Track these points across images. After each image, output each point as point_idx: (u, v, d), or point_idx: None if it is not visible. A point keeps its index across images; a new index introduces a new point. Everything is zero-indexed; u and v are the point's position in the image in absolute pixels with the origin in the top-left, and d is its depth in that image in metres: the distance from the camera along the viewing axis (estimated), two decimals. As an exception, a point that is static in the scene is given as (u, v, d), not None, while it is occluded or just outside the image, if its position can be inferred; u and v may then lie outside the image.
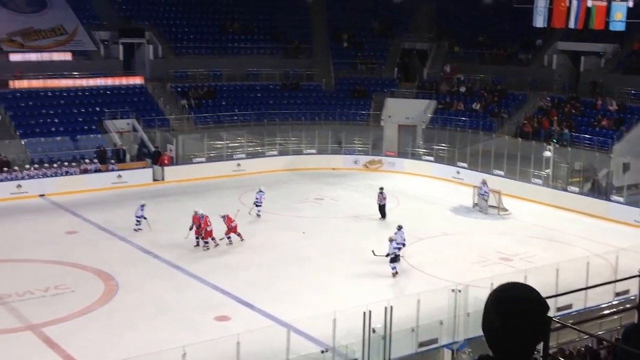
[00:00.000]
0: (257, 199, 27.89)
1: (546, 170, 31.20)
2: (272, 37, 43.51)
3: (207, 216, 23.74)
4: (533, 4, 33.07)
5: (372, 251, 21.90)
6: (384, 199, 27.64)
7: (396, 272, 21.54)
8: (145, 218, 25.30)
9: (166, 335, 17.06)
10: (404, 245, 22.53)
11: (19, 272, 21.40)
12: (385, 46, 43.62)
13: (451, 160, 34.97)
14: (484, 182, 29.41)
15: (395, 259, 21.53)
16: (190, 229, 23.90)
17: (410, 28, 44.27)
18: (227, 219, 24.08)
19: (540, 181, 31.21)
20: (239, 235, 24.30)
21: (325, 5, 45.61)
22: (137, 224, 25.31)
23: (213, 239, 23.80)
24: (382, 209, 27.69)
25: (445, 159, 35.32)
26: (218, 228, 24.03)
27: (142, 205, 25.54)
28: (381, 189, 28.01)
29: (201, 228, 23.67)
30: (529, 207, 30.12)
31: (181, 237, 24.04)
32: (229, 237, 24.15)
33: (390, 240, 21.62)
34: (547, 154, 31.05)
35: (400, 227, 22.67)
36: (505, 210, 29.15)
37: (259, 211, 27.70)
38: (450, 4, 44.39)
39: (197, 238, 23.85)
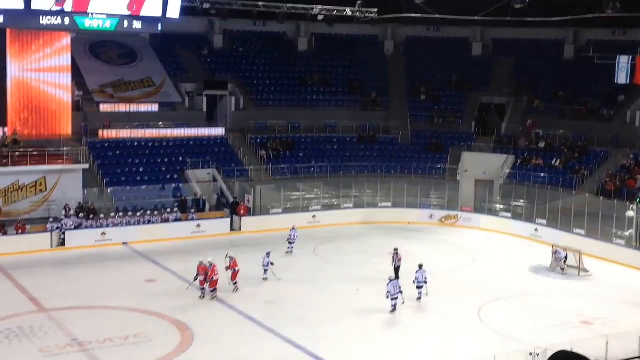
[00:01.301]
0: (290, 236, 29.47)
1: (629, 231, 30.18)
2: (350, 89, 44.25)
3: (215, 265, 23.91)
4: (615, 60, 32.55)
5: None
6: (400, 260, 26.35)
7: (394, 309, 22.96)
8: (272, 264, 25.84)
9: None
10: (425, 283, 24.17)
11: (100, 319, 22.11)
12: (463, 100, 43.59)
13: (529, 217, 34.29)
14: (557, 249, 28.61)
15: (395, 298, 23.00)
16: (195, 279, 24.16)
17: (489, 82, 44.19)
18: (232, 262, 24.51)
19: (622, 242, 30.19)
20: (234, 282, 24.51)
21: (403, 59, 46.20)
22: (265, 273, 25.77)
23: (213, 290, 23.82)
24: (396, 271, 25.86)
25: (523, 216, 34.68)
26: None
27: (268, 253, 25.86)
28: (396, 249, 26.72)
29: (208, 277, 23.79)
30: (611, 268, 29.13)
31: (255, 287, 24.44)
32: (234, 283, 24.50)
33: (390, 280, 23.11)
34: (631, 213, 30.09)
35: (421, 266, 24.29)
36: (586, 271, 28.28)
37: (291, 248, 29.48)
38: (529, 59, 44.23)
39: (202, 289, 23.98)
